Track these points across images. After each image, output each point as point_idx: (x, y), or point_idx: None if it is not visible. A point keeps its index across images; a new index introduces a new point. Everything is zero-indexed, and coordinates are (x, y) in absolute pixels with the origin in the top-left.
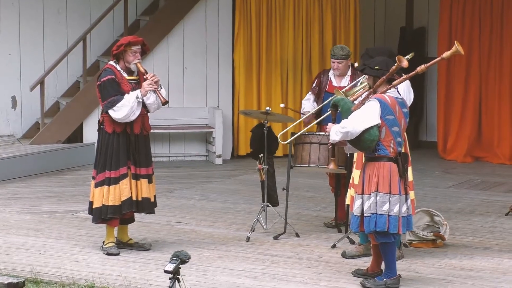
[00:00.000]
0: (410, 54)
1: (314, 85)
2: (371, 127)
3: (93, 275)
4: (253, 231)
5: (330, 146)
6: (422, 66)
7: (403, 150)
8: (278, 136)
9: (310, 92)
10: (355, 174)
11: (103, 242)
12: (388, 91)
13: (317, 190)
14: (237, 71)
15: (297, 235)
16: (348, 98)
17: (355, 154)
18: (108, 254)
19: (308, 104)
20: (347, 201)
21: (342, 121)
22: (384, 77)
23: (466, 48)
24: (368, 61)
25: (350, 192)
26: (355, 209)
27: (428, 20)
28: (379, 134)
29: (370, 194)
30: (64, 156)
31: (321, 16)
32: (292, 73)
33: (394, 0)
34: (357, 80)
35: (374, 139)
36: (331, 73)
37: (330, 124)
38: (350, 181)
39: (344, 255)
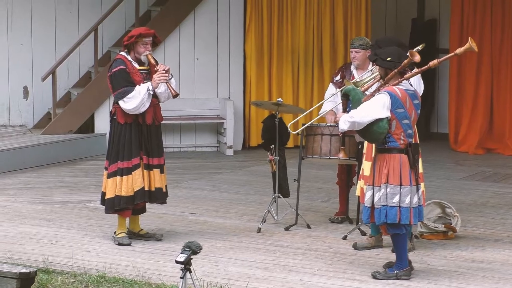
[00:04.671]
0: (421, 45)
1: (338, 78)
2: (381, 120)
3: (104, 265)
4: (264, 222)
5: (341, 135)
6: (435, 61)
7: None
8: (288, 125)
9: (331, 85)
10: (365, 166)
11: (115, 233)
12: (399, 83)
13: (328, 182)
14: (248, 62)
15: (308, 227)
16: (359, 88)
17: (365, 146)
18: (119, 244)
19: (330, 102)
20: (357, 192)
21: (351, 111)
22: (396, 70)
23: (477, 39)
24: (380, 51)
25: (360, 183)
26: (366, 200)
27: (440, 12)
28: (388, 127)
29: (380, 186)
30: (75, 146)
31: (332, 7)
32: (303, 64)
33: None
34: (368, 69)
35: (383, 131)
36: (352, 67)
37: (340, 113)
38: (360, 173)
39: (355, 246)
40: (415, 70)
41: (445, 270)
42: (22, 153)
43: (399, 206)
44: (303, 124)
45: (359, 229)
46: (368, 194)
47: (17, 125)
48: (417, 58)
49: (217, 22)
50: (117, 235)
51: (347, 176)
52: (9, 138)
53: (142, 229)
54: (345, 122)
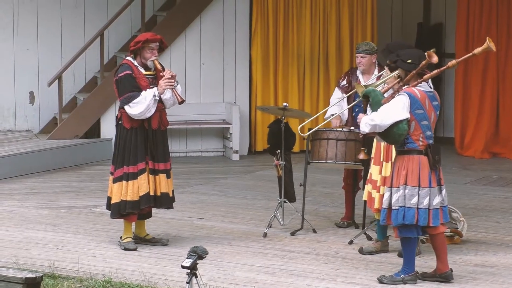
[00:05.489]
0: (432, 50)
1: (344, 82)
2: (400, 121)
3: (110, 270)
4: (270, 226)
5: (361, 136)
6: (453, 61)
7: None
8: (298, 128)
9: (337, 89)
10: (373, 170)
11: (121, 237)
12: (418, 84)
13: (334, 186)
14: (254, 67)
15: (314, 231)
16: (379, 90)
17: (373, 150)
18: (125, 249)
19: (335, 107)
20: (364, 197)
21: (372, 113)
22: (414, 71)
23: (483, 44)
24: (401, 53)
25: (368, 188)
26: (384, 202)
27: (446, 16)
28: (408, 128)
29: (398, 187)
30: (81, 151)
31: (338, 11)
32: (309, 68)
33: None
34: (374, 74)
35: (402, 133)
36: (358, 72)
37: (361, 115)
38: (368, 177)
39: (361, 251)
40: (435, 71)
41: None
42: (28, 158)
43: (417, 208)
44: (310, 129)
45: (365, 233)
46: (386, 196)
47: (23, 130)
48: (435, 59)
49: (223, 27)
50: (123, 240)
51: (353, 180)
52: (15, 143)
53: (148, 234)
54: (366, 125)
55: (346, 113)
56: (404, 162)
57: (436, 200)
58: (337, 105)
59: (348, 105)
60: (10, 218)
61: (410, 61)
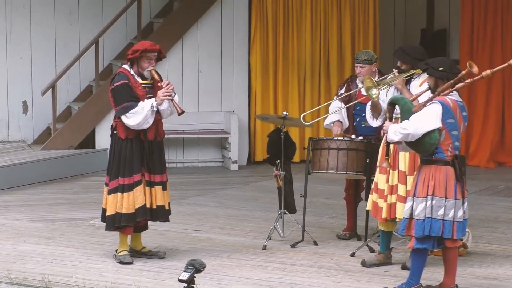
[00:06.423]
0: None
1: (343, 91)
2: (433, 131)
3: (105, 284)
4: (270, 239)
5: (385, 144)
6: (488, 71)
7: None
8: (301, 117)
9: (336, 98)
10: (379, 179)
11: (116, 251)
12: (450, 93)
13: (335, 197)
14: (253, 75)
15: (315, 243)
16: (408, 98)
17: (378, 159)
18: (121, 262)
19: (335, 115)
20: (368, 206)
21: (403, 122)
22: (452, 81)
23: (488, 50)
24: (431, 60)
25: (372, 197)
26: (405, 211)
27: (449, 22)
28: (439, 138)
29: (426, 197)
30: (76, 162)
31: (339, 17)
32: (310, 76)
33: (414, 1)
34: (386, 75)
35: (434, 142)
36: (358, 81)
37: (387, 123)
38: (373, 186)
39: (363, 263)
40: (467, 80)
41: None
42: (21, 169)
43: (443, 219)
44: (310, 138)
45: (367, 245)
46: (408, 205)
47: (16, 140)
48: (475, 69)
49: (221, 34)
50: (118, 253)
51: (355, 191)
52: (8, 154)
53: (144, 247)
54: (395, 133)
55: (346, 121)
56: (432, 172)
57: (460, 213)
58: (337, 112)
59: (348, 113)
60: (2, 231)
61: (441, 68)
